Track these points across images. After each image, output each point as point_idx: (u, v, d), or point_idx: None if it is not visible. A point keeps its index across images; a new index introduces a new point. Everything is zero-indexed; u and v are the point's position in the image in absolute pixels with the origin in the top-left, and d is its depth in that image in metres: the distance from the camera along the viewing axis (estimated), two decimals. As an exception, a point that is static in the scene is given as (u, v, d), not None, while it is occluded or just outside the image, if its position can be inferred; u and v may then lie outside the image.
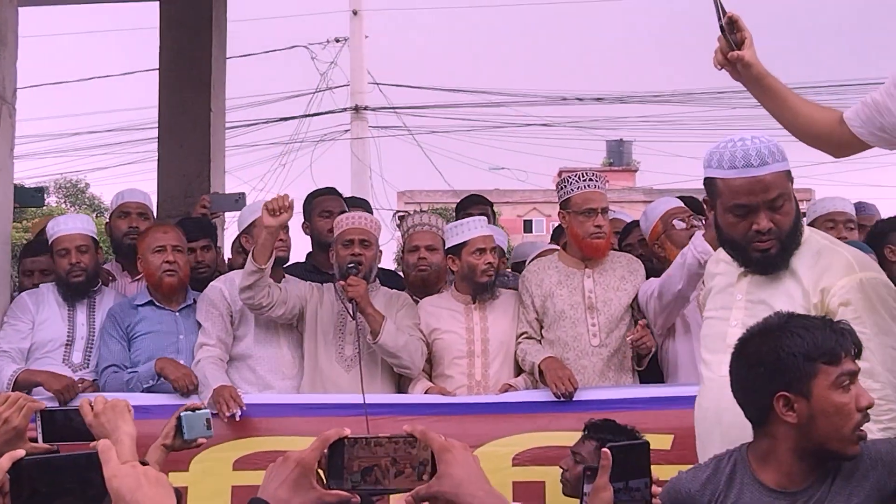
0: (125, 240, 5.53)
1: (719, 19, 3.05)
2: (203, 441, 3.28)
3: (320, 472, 1.86)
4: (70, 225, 5.17)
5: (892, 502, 2.51)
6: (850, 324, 2.70)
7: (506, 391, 4.71)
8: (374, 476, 1.85)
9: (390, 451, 1.85)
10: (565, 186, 4.88)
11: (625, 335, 4.77)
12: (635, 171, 51.45)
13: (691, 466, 2.79)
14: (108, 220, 5.77)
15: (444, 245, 5.07)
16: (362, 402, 4.47)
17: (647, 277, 4.87)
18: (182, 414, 3.20)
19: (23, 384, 4.66)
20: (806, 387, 2.50)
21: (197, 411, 3.24)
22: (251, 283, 4.65)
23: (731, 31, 3.06)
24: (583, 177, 4.86)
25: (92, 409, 2.61)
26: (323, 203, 5.69)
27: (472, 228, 4.95)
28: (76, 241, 5.09)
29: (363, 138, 19.23)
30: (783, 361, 2.52)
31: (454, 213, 6.49)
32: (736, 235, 3.08)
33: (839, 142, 3.16)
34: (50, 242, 5.17)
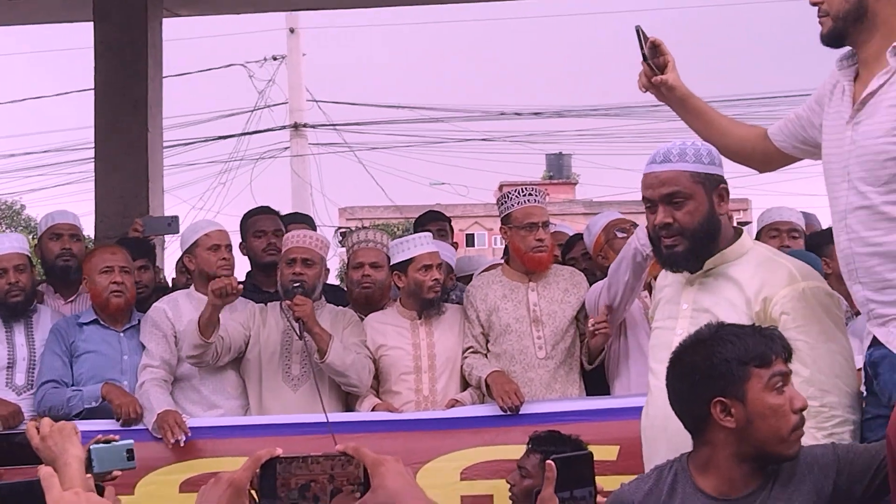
0: (58, 261, 5.44)
1: (641, 48, 3.14)
2: (119, 473, 3.14)
3: (253, 492, 1.84)
4: (6, 245, 5.08)
5: None
6: (793, 332, 2.77)
7: (452, 406, 4.72)
8: (313, 492, 1.84)
9: (327, 468, 1.84)
10: (506, 202, 4.92)
11: (570, 347, 4.82)
12: (575, 183, 51.76)
13: (634, 477, 2.82)
14: (37, 242, 5.66)
15: (388, 262, 5.07)
16: (318, 420, 4.49)
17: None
18: (91, 447, 3.09)
19: None
20: (741, 390, 2.55)
21: (112, 443, 3.11)
22: (198, 355, 4.67)
23: (654, 56, 3.15)
24: (523, 191, 4.90)
25: (38, 432, 2.57)
26: (256, 223, 5.63)
27: (418, 245, 4.95)
28: (14, 261, 5.01)
29: (303, 155, 19.14)
30: (716, 368, 2.57)
31: (411, 229, 6.50)
32: (649, 230, 3.21)
33: (763, 157, 3.30)
34: None
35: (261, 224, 5.60)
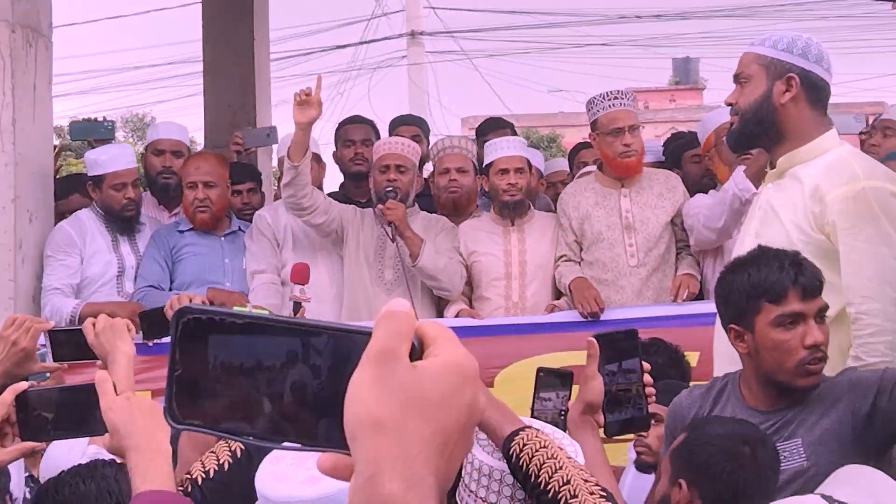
0: (159, 178, 5.49)
1: None
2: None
3: None
4: (125, 160, 5.10)
5: (864, 423, 2.52)
6: (841, 235, 2.70)
7: (552, 311, 4.73)
8: None
9: None
10: (591, 108, 4.84)
11: (664, 254, 4.76)
12: (702, 88, 50.53)
13: (693, 385, 2.85)
14: (143, 153, 5.73)
15: (475, 168, 5.07)
16: None
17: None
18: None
19: (87, 316, 4.73)
20: (750, 322, 2.61)
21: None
22: (290, 181, 4.69)
23: None
24: (607, 96, 4.80)
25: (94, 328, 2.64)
26: (346, 132, 5.62)
27: (498, 149, 4.94)
28: (133, 176, 5.07)
29: (420, 64, 19.12)
30: (731, 296, 2.67)
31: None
32: None
33: None
34: (100, 174, 5.04)
35: (349, 134, 5.59)
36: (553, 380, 2.24)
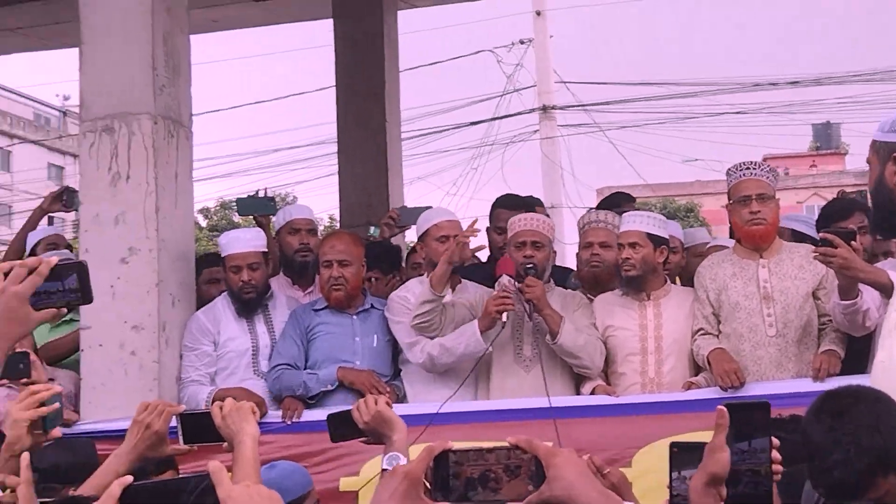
0: (297, 256, 5.57)
1: None
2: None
3: (427, 483, 1.87)
4: (242, 244, 5.22)
5: None
6: None
7: (689, 389, 4.63)
8: (490, 483, 1.85)
9: (502, 458, 1.85)
10: (728, 178, 4.83)
11: (805, 325, 4.63)
12: (844, 154, 49.37)
13: None
14: (275, 235, 5.78)
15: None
16: (547, 405, 4.46)
17: None
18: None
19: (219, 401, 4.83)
20: None
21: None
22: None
23: None
24: (740, 167, 4.78)
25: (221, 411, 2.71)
26: (496, 218, 5.65)
27: (622, 224, 4.94)
28: (249, 259, 5.15)
29: (553, 137, 19.14)
30: None
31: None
32: None
33: None
34: (222, 257, 5.23)
35: (500, 220, 5.55)
36: (690, 455, 2.12)
